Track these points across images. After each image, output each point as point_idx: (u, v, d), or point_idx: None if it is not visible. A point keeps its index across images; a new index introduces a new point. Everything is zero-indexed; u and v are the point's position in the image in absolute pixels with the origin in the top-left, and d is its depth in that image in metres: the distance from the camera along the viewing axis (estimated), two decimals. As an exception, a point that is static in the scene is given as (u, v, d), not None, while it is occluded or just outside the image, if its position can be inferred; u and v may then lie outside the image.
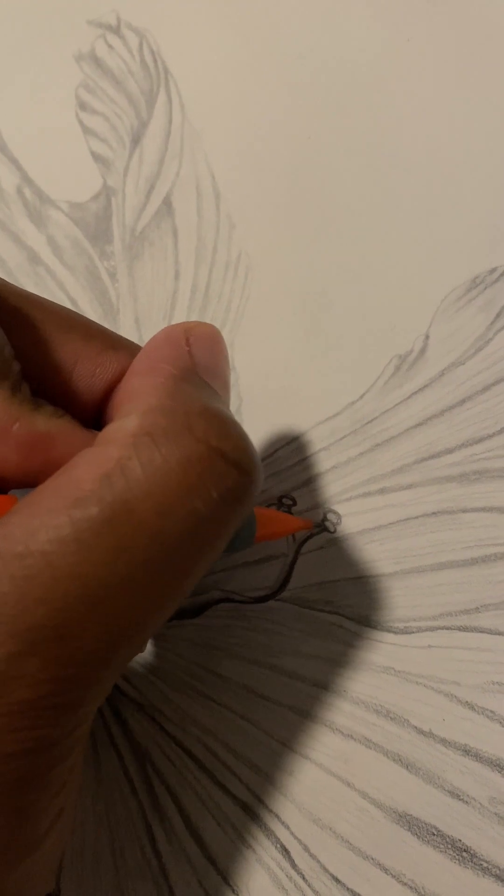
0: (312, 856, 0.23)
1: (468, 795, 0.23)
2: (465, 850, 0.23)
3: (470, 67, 0.31)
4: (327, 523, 0.26)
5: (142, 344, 0.29)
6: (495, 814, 0.23)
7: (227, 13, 0.33)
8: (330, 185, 0.30)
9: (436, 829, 0.23)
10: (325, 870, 0.23)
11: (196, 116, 0.31)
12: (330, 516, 0.26)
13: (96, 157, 0.31)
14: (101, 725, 0.25)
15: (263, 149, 0.31)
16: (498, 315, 0.28)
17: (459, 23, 0.31)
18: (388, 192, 0.30)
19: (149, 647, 0.26)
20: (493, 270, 0.28)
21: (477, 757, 0.24)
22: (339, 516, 0.26)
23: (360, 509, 0.26)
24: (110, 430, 0.17)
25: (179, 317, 0.29)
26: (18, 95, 0.32)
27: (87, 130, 0.32)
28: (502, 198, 0.29)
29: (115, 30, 0.33)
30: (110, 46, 0.33)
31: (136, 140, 0.31)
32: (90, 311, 0.29)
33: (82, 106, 0.32)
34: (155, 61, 0.32)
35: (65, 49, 0.33)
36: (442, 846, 0.23)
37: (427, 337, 0.28)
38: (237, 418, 0.27)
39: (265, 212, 0.30)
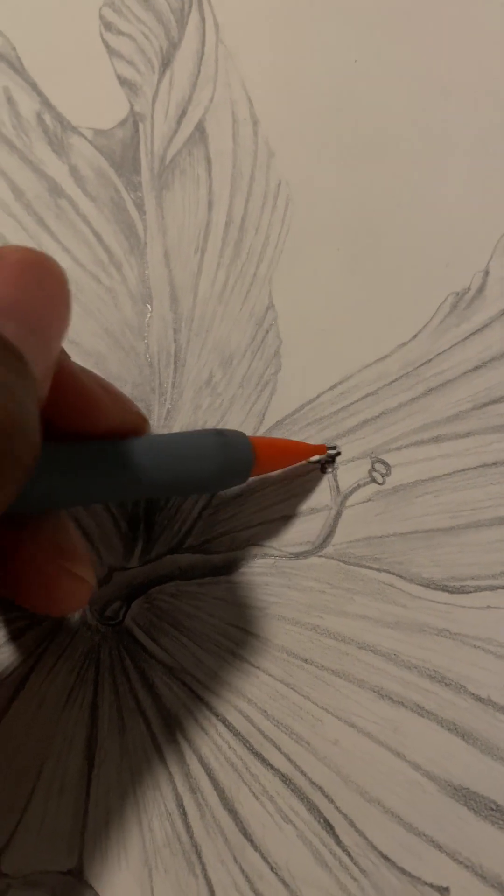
0: (359, 831, 0.22)
1: (531, 768, 0.22)
2: (528, 828, 0.21)
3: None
4: (375, 474, 0.24)
5: (171, 283, 0.27)
6: None
7: None
8: (378, 110, 0.28)
9: (495, 803, 0.22)
10: (373, 847, 0.22)
11: (231, 36, 0.29)
12: (378, 466, 0.24)
13: (123, 81, 0.29)
14: (127, 690, 0.23)
15: (305, 71, 0.29)
16: None
17: None
18: (442, 117, 0.28)
19: (178, 604, 0.24)
20: None
21: (541, 727, 0.22)
22: (388, 466, 0.24)
23: (411, 459, 0.25)
24: None
25: (212, 250, 0.27)
26: (38, 15, 0.30)
27: (112, 52, 0.29)
28: None
29: None
30: (137, -36, 0.30)
31: (166, 63, 0.29)
32: (116, 244, 0.27)
33: (107, 26, 0.30)
34: (185, -20, 0.30)
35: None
36: (502, 822, 0.21)
37: (486, 273, 0.26)
38: (276, 360, 0.26)
39: (307, 138, 0.28)
